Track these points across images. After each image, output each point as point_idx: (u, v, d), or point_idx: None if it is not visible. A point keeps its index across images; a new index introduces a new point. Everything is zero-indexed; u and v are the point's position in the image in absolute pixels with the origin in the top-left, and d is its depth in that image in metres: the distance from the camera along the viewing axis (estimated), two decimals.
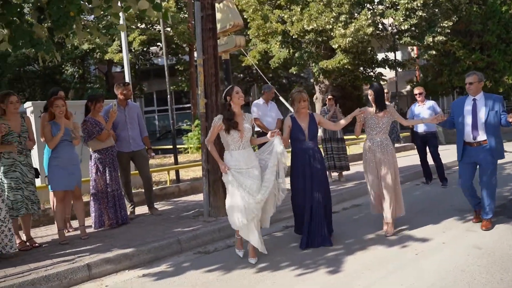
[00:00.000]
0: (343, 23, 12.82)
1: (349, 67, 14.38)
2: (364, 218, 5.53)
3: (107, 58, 16.57)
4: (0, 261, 4.20)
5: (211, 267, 4.08)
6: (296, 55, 14.72)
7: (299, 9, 13.40)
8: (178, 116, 26.17)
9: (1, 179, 4.45)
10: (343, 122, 4.91)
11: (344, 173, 8.23)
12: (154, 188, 7.21)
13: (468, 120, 4.61)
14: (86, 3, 3.97)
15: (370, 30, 12.78)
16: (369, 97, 4.81)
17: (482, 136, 4.56)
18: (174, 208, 6.50)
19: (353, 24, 12.67)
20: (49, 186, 4.93)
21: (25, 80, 19.48)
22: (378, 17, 13.61)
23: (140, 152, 5.95)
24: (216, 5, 6.41)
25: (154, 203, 6.38)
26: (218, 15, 6.47)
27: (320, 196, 4.46)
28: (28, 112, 6.80)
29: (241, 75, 23.77)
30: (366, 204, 5.74)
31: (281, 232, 5.18)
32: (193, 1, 5.57)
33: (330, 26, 12.88)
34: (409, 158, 10.28)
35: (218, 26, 6.49)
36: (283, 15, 13.90)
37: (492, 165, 4.60)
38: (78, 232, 5.09)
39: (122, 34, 8.08)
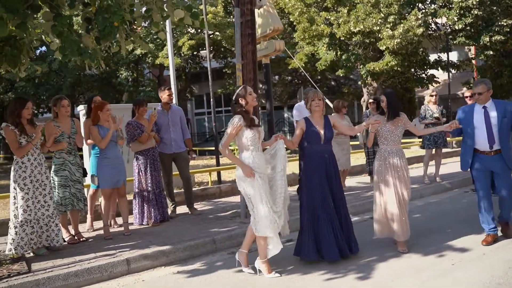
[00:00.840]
0: (391, 24, 12.49)
1: (398, 69, 13.97)
2: None
3: (158, 63, 17.28)
4: (49, 253, 4.55)
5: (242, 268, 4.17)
6: (343, 57, 14.53)
7: (346, 11, 13.23)
8: (226, 118, 26.65)
9: (52, 177, 4.82)
10: (357, 128, 4.71)
11: None
12: (195, 189, 7.46)
13: (482, 128, 4.45)
14: (129, 13, 4.21)
15: (420, 30, 12.35)
16: (381, 104, 4.53)
17: (497, 145, 4.42)
18: (214, 209, 6.68)
19: (401, 25, 12.31)
20: (91, 184, 5.27)
21: (84, 83, 20.73)
22: (430, 17, 13.10)
23: (181, 154, 6.16)
24: (256, 10, 6.53)
25: (195, 203, 6.60)
26: (259, 20, 6.58)
27: (340, 204, 4.20)
28: (81, 115, 7.27)
29: (289, 77, 23.80)
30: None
31: None
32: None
33: (378, 28, 12.60)
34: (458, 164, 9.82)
35: (259, 31, 6.61)
36: (329, 17, 13.78)
37: (509, 173, 4.48)
38: (122, 228, 5.39)
39: (168, 39, 8.42)
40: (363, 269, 3.93)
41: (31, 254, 4.52)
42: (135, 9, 4.25)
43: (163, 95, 6.08)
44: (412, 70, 15.89)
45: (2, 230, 5.38)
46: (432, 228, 5.12)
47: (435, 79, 16.23)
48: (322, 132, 4.16)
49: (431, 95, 7.81)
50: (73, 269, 3.99)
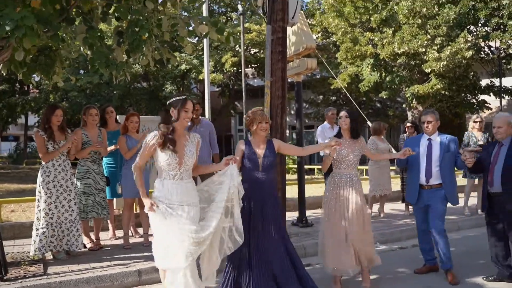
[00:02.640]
0: (438, 46, 12.03)
1: (446, 92, 13.38)
2: None
3: (201, 78, 17.70)
4: (68, 258, 4.65)
5: None
6: (388, 79, 14.15)
7: (391, 32, 12.92)
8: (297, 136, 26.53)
9: (77, 184, 4.96)
10: (311, 149, 4.29)
11: None
12: None
13: (423, 161, 4.22)
14: (156, 28, 4.31)
15: (469, 53, 11.79)
16: (341, 122, 4.11)
17: (435, 179, 4.17)
18: None
19: (449, 47, 11.82)
20: (107, 194, 5.31)
21: (133, 95, 21.61)
22: (481, 40, 12.50)
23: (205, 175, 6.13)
24: (290, 28, 6.50)
25: None
26: (293, 38, 6.55)
27: (278, 244, 3.62)
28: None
29: (334, 97, 23.52)
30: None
31: None
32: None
33: (423, 49, 12.17)
34: None
35: (292, 48, 6.57)
36: (373, 37, 13.52)
37: (444, 210, 4.24)
38: (142, 239, 5.42)
39: (205, 56, 8.58)
40: None
41: (51, 257, 4.64)
42: (162, 24, 4.33)
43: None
44: (462, 94, 15.16)
45: (29, 233, 5.58)
46: (462, 264, 4.72)
47: (486, 104, 15.39)
48: (261, 158, 3.67)
49: (475, 121, 7.34)
50: (85, 276, 4.03)
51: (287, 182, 7.02)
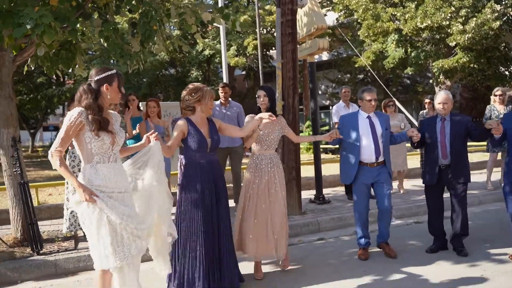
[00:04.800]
0: (463, 18, 11.62)
1: (474, 65, 12.95)
2: None
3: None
4: None
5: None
6: (412, 54, 13.83)
7: (413, 6, 12.58)
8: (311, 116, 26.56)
9: None
10: (247, 128, 3.69)
11: None
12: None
13: (367, 139, 4.18)
14: (166, 17, 4.55)
15: (497, 24, 11.33)
16: (259, 101, 3.93)
17: (382, 157, 4.20)
18: None
19: (474, 18, 11.40)
20: None
21: (162, 83, 22.14)
22: (510, 9, 11.97)
23: (235, 149, 6.31)
24: (302, 9, 6.58)
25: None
26: (304, 19, 6.63)
27: (224, 229, 3.45)
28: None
29: (361, 75, 23.17)
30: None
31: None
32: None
33: (447, 23, 11.79)
34: None
35: (304, 30, 6.65)
36: (395, 13, 13.20)
37: (389, 185, 4.28)
38: None
39: (222, 41, 8.76)
40: (381, 273, 3.85)
41: (82, 234, 5.06)
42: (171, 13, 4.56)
43: (221, 92, 6.36)
44: (493, 67, 14.59)
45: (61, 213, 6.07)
46: (480, 237, 4.78)
47: None
48: (208, 138, 3.42)
49: (495, 94, 7.19)
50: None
51: (306, 162, 7.20)
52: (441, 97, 4.30)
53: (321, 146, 16.68)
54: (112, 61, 21.28)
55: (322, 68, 26.06)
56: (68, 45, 4.80)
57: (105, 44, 4.77)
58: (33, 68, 5.42)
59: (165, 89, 22.28)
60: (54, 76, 25.33)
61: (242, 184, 4.01)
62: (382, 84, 14.45)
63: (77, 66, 5.22)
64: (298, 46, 6.93)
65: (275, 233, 3.80)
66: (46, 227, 5.57)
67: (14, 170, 4.50)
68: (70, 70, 5.13)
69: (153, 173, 3.00)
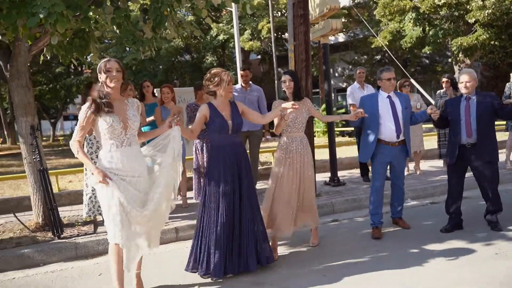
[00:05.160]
0: None
1: (495, 42, 12.56)
2: None
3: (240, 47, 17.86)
4: None
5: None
6: (431, 32, 13.49)
7: None
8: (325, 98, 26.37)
9: None
10: (272, 114, 3.80)
11: None
12: (259, 168, 7.73)
13: (388, 118, 4.22)
14: (176, 2, 4.55)
15: None
16: (285, 86, 4.07)
17: (403, 135, 4.27)
18: None
19: None
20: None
21: (178, 69, 22.23)
22: None
23: (255, 132, 6.31)
24: None
25: (257, 182, 6.88)
26: (317, 0, 6.52)
27: (250, 209, 3.53)
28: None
29: (378, 56, 22.75)
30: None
31: None
32: None
33: None
34: None
35: (317, 10, 6.55)
36: None
37: (405, 164, 4.37)
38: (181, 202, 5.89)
39: (234, 24, 8.71)
40: (394, 252, 3.86)
41: (101, 219, 5.21)
42: None
43: (242, 75, 6.33)
44: None
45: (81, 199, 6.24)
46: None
47: None
48: (229, 120, 3.52)
49: None
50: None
51: (322, 145, 7.18)
52: (463, 77, 4.29)
53: (338, 129, 16.60)
54: (127, 49, 21.51)
55: (339, 49, 25.66)
56: (81, 34, 4.86)
57: (118, 31, 4.81)
58: (49, 58, 5.52)
59: (181, 75, 22.37)
60: (72, 66, 25.81)
61: (273, 166, 4.15)
62: (400, 65, 14.15)
63: (91, 54, 5.29)
64: (311, 27, 6.87)
65: (305, 210, 4.04)
66: (66, 212, 5.74)
67: (33, 157, 4.63)
68: (86, 58, 5.18)
69: (170, 158, 3.16)
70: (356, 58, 23.67)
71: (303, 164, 4.00)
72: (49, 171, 7.31)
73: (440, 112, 4.33)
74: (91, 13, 5.02)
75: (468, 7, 11.84)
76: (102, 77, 2.99)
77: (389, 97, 4.37)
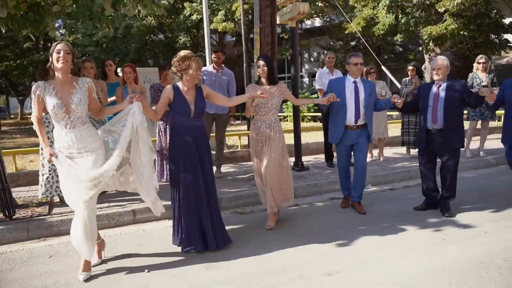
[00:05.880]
0: None
1: (464, 33, 12.80)
2: (415, 198, 5.18)
3: (212, 28, 17.53)
4: None
5: (235, 227, 4.35)
6: (403, 20, 13.61)
7: None
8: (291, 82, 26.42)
9: None
10: (238, 99, 4.03)
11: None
12: (225, 151, 7.71)
13: (350, 103, 4.40)
14: None
15: None
16: (259, 71, 4.17)
17: (361, 120, 4.44)
18: (236, 171, 6.90)
19: None
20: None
21: (150, 49, 21.74)
22: None
23: (222, 116, 6.26)
24: None
25: (222, 165, 6.86)
26: None
27: (210, 190, 3.69)
28: None
29: (353, 42, 22.86)
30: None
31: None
32: None
33: None
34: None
35: None
36: None
37: (366, 147, 4.58)
38: None
39: (204, 4, 8.54)
40: (347, 237, 3.93)
41: (58, 200, 5.09)
42: None
43: (214, 57, 6.23)
44: (483, 34, 14.45)
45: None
46: (455, 204, 4.87)
47: (509, 44, 14.65)
48: (192, 105, 3.58)
49: (479, 62, 7.16)
50: None
51: (290, 129, 7.20)
52: (435, 63, 4.44)
53: (311, 114, 16.67)
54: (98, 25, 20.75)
55: (314, 34, 25.64)
56: (36, 7, 4.65)
57: (74, 6, 4.62)
58: (3, 31, 5.27)
59: (154, 55, 21.92)
60: (41, 41, 24.83)
61: (250, 147, 4.35)
62: (372, 52, 14.28)
63: (50, 29, 5.07)
64: (279, 10, 6.80)
65: (283, 184, 4.23)
66: (23, 193, 5.59)
67: None
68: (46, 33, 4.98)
69: (129, 131, 3.25)
70: (331, 43, 23.74)
71: (275, 146, 4.12)
72: (9, 150, 7.12)
73: (404, 100, 4.47)
74: None
75: None
76: (51, 57, 3.08)
77: (354, 82, 4.49)
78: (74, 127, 3.13)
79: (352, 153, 4.72)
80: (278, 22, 6.78)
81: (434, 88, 4.42)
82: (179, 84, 3.62)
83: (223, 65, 6.19)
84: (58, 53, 3.04)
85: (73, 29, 18.99)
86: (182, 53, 3.57)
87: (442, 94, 4.35)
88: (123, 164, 3.35)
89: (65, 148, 3.13)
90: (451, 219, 4.35)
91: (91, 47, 19.55)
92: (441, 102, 4.34)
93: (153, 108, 3.65)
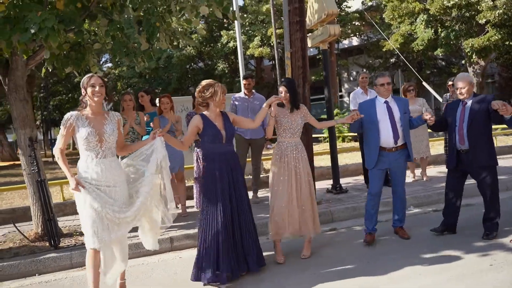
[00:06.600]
0: None
1: (510, 43, 12.23)
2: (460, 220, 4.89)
3: (249, 54, 17.86)
4: None
5: (270, 253, 4.29)
6: (442, 34, 13.24)
7: None
8: (318, 105, 26.24)
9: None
10: (259, 116, 3.90)
11: None
12: (262, 175, 7.70)
13: (385, 124, 4.14)
14: (167, 13, 4.60)
15: None
16: (280, 95, 4.07)
17: (401, 141, 4.16)
18: None
19: None
20: None
21: (191, 77, 22.44)
22: None
23: (257, 141, 6.31)
24: None
25: (259, 189, 6.85)
26: (315, 6, 6.49)
27: (244, 215, 3.67)
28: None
29: (392, 59, 22.45)
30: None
31: None
32: None
33: None
34: None
35: (315, 16, 6.51)
36: None
37: (405, 169, 4.34)
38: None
39: (237, 30, 8.76)
40: (386, 263, 3.77)
41: None
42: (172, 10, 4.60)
43: (244, 83, 6.35)
44: None
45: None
46: (501, 224, 4.56)
47: None
48: (223, 130, 3.63)
49: None
50: None
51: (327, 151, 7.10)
52: (457, 82, 4.28)
53: (347, 134, 16.40)
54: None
55: (352, 53, 25.46)
56: (77, 47, 4.96)
57: (112, 44, 4.88)
58: (50, 70, 5.64)
59: (195, 83, 22.55)
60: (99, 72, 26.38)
61: (270, 173, 4.19)
62: (412, 68, 13.94)
63: (90, 66, 5.38)
64: (310, 33, 6.84)
65: (302, 215, 4.00)
66: (69, 222, 5.83)
67: (32, 168, 4.73)
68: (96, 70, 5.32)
69: (154, 167, 3.30)
70: (370, 61, 23.45)
71: (299, 169, 4.01)
72: (56, 181, 7.50)
73: (437, 117, 4.32)
74: (87, 26, 5.13)
75: (478, 7, 11.58)
76: (86, 91, 3.17)
77: (386, 102, 4.34)
78: (105, 157, 3.15)
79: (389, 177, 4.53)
80: (309, 45, 6.82)
81: (460, 107, 4.26)
82: (206, 112, 3.69)
83: (253, 91, 6.27)
84: (93, 86, 3.13)
85: (118, 63, 20.18)
86: (204, 82, 3.67)
87: (467, 113, 4.19)
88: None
89: (94, 179, 3.09)
90: (497, 242, 4.07)
91: (135, 78, 20.49)
92: (466, 122, 4.18)
93: (181, 139, 3.75)
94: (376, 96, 4.46)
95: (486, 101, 4.16)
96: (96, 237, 3.05)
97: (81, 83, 3.21)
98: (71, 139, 3.25)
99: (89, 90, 3.14)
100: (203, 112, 3.70)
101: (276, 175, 4.02)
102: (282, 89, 4.12)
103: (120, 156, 3.63)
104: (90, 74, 3.23)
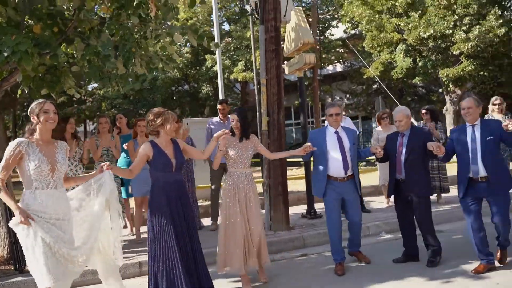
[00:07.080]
0: (467, 26, 11.45)
1: (484, 73, 12.69)
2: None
3: (232, 78, 18.10)
4: None
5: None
6: (420, 63, 13.67)
7: (417, 16, 12.48)
8: (298, 130, 26.55)
9: None
10: (207, 149, 3.93)
11: (443, 195, 7.40)
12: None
13: (336, 154, 4.20)
14: (143, 39, 4.70)
15: (502, 30, 11.11)
16: (232, 124, 4.13)
17: (350, 171, 4.24)
18: None
19: (477, 26, 11.21)
20: (122, 194, 5.83)
21: (176, 99, 22.54)
22: None
23: None
24: (289, 25, 6.67)
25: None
26: (292, 34, 6.70)
27: (195, 244, 3.62)
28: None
29: (375, 86, 22.96)
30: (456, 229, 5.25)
31: None
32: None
33: (451, 31, 11.64)
34: None
35: (292, 45, 6.72)
36: (399, 23, 13.12)
37: (359, 200, 4.39)
38: None
39: (217, 57, 8.92)
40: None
41: None
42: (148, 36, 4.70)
43: (219, 108, 6.39)
44: (505, 74, 14.26)
45: None
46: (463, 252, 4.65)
47: None
48: (173, 159, 3.55)
49: (494, 103, 7.03)
50: (91, 268, 4.48)
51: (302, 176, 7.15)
52: (395, 115, 4.41)
53: None
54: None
55: (336, 79, 25.96)
56: (53, 70, 5.00)
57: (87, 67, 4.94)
58: (26, 92, 5.65)
59: (180, 105, 22.67)
60: (74, 95, 26.27)
61: (220, 202, 4.15)
62: (391, 95, 14.30)
63: (66, 88, 5.41)
64: (287, 61, 7.03)
65: (255, 246, 4.02)
66: None
67: None
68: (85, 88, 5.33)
69: (103, 201, 3.24)
70: (353, 87, 23.91)
71: (248, 199, 4.04)
72: None
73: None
74: (64, 49, 5.19)
75: (453, 39, 12.04)
76: (38, 118, 2.99)
77: (336, 132, 4.38)
78: (55, 188, 2.97)
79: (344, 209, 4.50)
80: (287, 72, 7.00)
81: (399, 139, 4.37)
82: (156, 140, 3.60)
83: (229, 115, 6.33)
84: (47, 112, 2.96)
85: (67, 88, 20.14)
86: (155, 110, 3.63)
87: (405, 144, 4.29)
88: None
89: (42, 211, 2.88)
90: (461, 268, 4.14)
91: (120, 99, 20.50)
92: (403, 153, 4.28)
93: (130, 167, 3.65)
94: (326, 126, 4.50)
95: (423, 134, 4.37)
96: (51, 275, 2.82)
97: (29, 110, 3.02)
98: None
99: (43, 116, 2.96)
100: (153, 140, 3.62)
101: (231, 206, 3.99)
102: (233, 117, 4.15)
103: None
104: (41, 100, 3.05)
